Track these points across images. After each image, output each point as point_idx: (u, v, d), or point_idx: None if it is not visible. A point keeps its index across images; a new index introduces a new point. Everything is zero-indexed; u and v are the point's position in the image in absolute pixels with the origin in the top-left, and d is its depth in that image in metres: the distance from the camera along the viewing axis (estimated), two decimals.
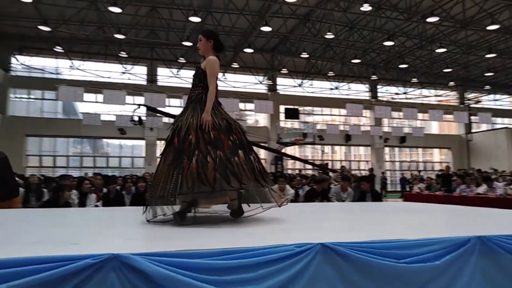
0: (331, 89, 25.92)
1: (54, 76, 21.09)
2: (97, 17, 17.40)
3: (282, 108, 23.28)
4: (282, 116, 23.43)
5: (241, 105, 22.10)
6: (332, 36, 17.85)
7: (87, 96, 19.03)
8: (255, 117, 25.71)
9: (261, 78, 24.43)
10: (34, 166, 20.43)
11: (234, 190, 2.81)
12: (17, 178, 7.33)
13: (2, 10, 15.87)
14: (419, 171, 25.28)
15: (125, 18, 17.03)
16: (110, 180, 6.30)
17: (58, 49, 19.11)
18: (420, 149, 28.29)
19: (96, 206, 5.84)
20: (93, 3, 15.86)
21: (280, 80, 25.10)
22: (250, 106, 22.28)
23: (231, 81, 23.93)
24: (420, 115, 23.87)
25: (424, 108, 24.22)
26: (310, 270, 1.83)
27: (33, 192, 6.18)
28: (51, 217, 3.41)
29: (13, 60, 20.69)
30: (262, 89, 24.62)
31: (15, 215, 3.61)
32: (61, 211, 4.42)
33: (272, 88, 24.56)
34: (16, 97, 21.33)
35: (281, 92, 24.76)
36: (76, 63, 21.16)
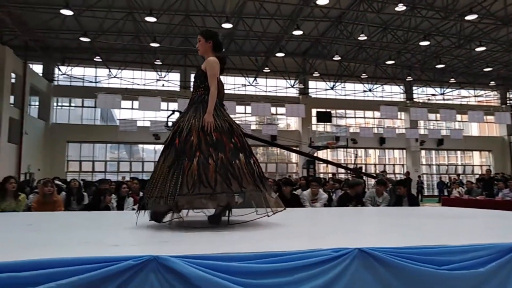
0: (364, 91, 25.49)
1: (93, 84, 21.99)
2: (134, 27, 18.02)
3: (314, 112, 23.10)
4: (314, 120, 23.25)
5: (273, 109, 22.15)
6: (365, 38, 17.59)
7: (124, 103, 19.72)
8: (286, 121, 25.65)
9: (292, 81, 24.39)
10: (74, 171, 21.32)
11: (235, 193, 2.75)
12: (59, 182, 7.70)
13: (46, 24, 16.73)
14: (458, 174, 24.31)
15: (159, 27, 17.52)
16: (146, 184, 6.46)
17: (97, 59, 19.93)
18: (459, 152, 27.21)
19: (133, 209, 6.01)
20: (129, 14, 16.42)
21: (311, 84, 24.95)
22: (282, 110, 22.26)
23: (262, 86, 24.03)
24: (458, 117, 23.03)
25: (462, 109, 23.34)
26: (348, 275, 1.81)
27: (74, 196, 6.45)
28: (92, 220, 3.55)
29: (56, 70, 21.80)
30: (293, 92, 24.57)
31: (59, 217, 3.79)
32: (101, 214, 4.58)
33: (304, 91, 24.45)
34: (58, 105, 22.40)
35: (312, 96, 24.61)
36: (114, 71, 21.97)
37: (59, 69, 21.78)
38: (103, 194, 5.56)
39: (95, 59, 20.07)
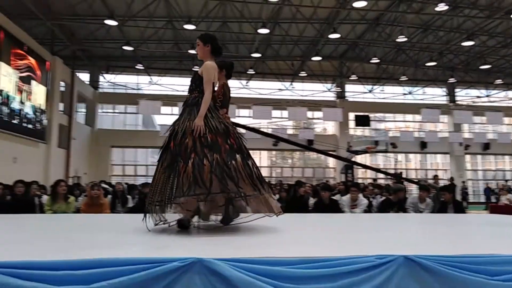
0: (404, 94, 24.79)
1: (135, 91, 22.82)
2: (173, 35, 18.56)
3: (351, 116, 22.74)
4: (351, 124, 22.86)
5: (309, 114, 21.98)
6: (405, 39, 17.12)
7: (164, 109, 20.25)
8: (323, 125, 25.40)
9: (329, 85, 24.15)
10: (118, 174, 22.15)
11: (231, 193, 2.71)
12: (106, 186, 8.03)
13: (92, 34, 17.62)
14: (506, 180, 23.04)
15: (198, 34, 17.87)
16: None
17: (139, 66, 20.68)
18: (507, 157, 25.79)
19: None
20: (169, 22, 16.93)
21: (349, 87, 24.58)
22: (318, 114, 22.07)
23: (298, 90, 23.95)
24: (506, 119, 21.83)
25: (510, 111, 22.14)
26: (393, 283, 1.78)
27: (119, 199, 6.72)
28: (137, 222, 3.67)
29: (101, 78, 22.86)
30: (330, 96, 24.31)
31: (106, 219, 3.96)
32: (139, 217, 4.71)
33: (341, 95, 24.13)
34: (103, 112, 23.45)
35: (350, 99, 24.23)
36: (155, 78, 22.70)
37: (104, 77, 22.82)
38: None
39: (137, 67, 20.84)
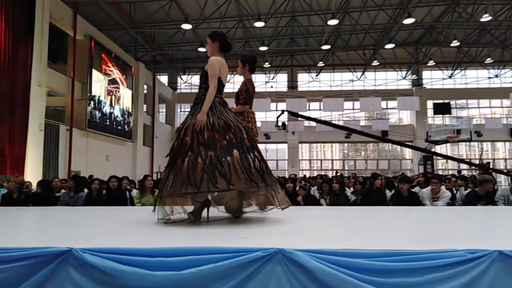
0: (490, 78, 22.67)
1: None
2: (244, 33, 18.96)
3: (429, 104, 21.41)
4: (430, 112, 21.51)
5: (383, 103, 21.12)
6: (489, 18, 15.63)
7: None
8: (398, 115, 24.22)
9: (404, 73, 22.93)
10: None
11: (220, 191, 2.70)
12: None
13: (170, 39, 18.73)
14: None
15: (267, 30, 18.09)
16: None
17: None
18: None
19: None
20: (240, 21, 17.33)
21: (426, 74, 23.13)
22: (393, 103, 21.12)
23: (371, 80, 23.10)
24: None
25: None
26: (486, 279, 1.68)
27: None
28: (216, 214, 3.85)
29: (179, 79, 24.19)
30: (405, 85, 23.09)
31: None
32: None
33: (417, 82, 22.79)
34: (181, 111, 24.83)
35: (427, 87, 22.79)
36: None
37: (181, 78, 24.12)
38: None
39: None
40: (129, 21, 15.68)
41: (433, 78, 23.00)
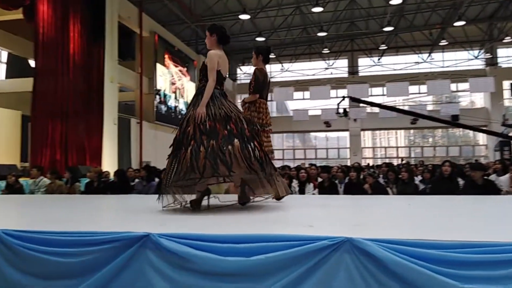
0: None
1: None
2: (301, 20, 18.72)
3: (506, 84, 19.65)
4: (506, 94, 19.76)
5: (453, 86, 19.78)
6: None
7: (296, 95, 20.76)
8: (470, 98, 22.56)
9: (476, 52, 21.22)
10: None
11: (221, 177, 2.80)
12: None
13: (229, 30, 18.94)
14: None
15: (326, 15, 17.71)
16: (326, 170, 6.71)
17: (271, 55, 21.46)
18: None
19: (313, 194, 6.36)
20: (297, 8, 17.13)
21: (501, 52, 21.22)
22: (464, 85, 19.72)
23: (438, 61, 21.70)
24: None
25: None
26: None
27: None
28: (278, 202, 3.92)
29: (238, 70, 24.58)
30: (478, 64, 21.39)
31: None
32: (286, 197, 4.98)
33: (492, 61, 20.97)
34: (241, 101, 25.27)
35: (503, 65, 20.89)
36: (286, 65, 23.33)
37: (240, 69, 24.49)
38: (288, 179, 6.13)
39: (270, 56, 21.68)
40: (189, 15, 16.19)
41: (511, 56, 21.04)
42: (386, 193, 6.12)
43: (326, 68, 22.92)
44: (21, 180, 7.37)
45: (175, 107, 16.46)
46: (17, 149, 11.47)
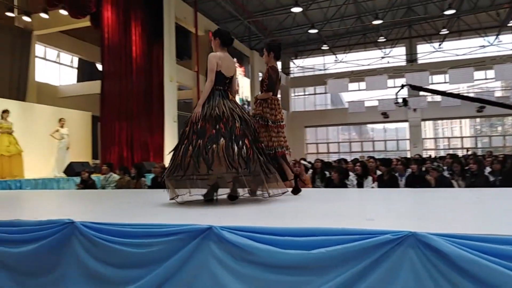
0: None
1: (322, 72, 23.53)
2: (355, 8, 18.18)
3: None
4: None
5: None
6: None
7: (351, 86, 20.26)
8: None
9: None
10: (312, 152, 23.48)
11: (201, 175, 2.97)
12: (305, 163, 8.68)
13: (281, 24, 19.04)
14: None
15: (381, 2, 17.05)
16: (385, 163, 6.52)
17: (324, 47, 21.17)
18: None
19: (372, 187, 6.20)
20: None
21: None
22: None
23: (507, 43, 20.08)
24: None
25: None
26: None
27: (318, 174, 7.19)
28: (338, 196, 3.89)
29: (291, 64, 24.49)
30: None
31: (311, 193, 4.32)
32: (343, 191, 4.93)
33: None
34: (295, 95, 25.19)
35: None
36: (340, 56, 22.83)
37: (293, 63, 24.37)
38: (344, 173, 6.03)
39: (322, 48, 21.37)
40: (242, 12, 16.37)
41: None
42: (451, 187, 5.82)
43: (383, 57, 22.08)
44: (93, 176, 7.97)
45: None
46: (89, 148, 12.39)
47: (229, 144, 2.94)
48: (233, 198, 3.18)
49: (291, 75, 24.68)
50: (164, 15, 11.76)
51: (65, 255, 2.11)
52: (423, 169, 6.31)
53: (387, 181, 6.08)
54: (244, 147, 3.00)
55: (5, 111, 8.66)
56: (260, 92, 3.93)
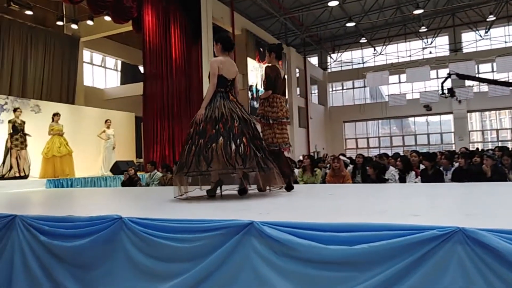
0: None
1: (360, 65, 23.02)
2: None
3: None
4: None
5: None
6: None
7: (391, 78, 19.69)
8: None
9: None
10: (352, 148, 23.06)
11: (202, 171, 3.21)
12: (344, 158, 8.56)
13: (317, 19, 18.83)
14: None
15: None
16: (429, 158, 6.28)
17: (362, 40, 20.69)
18: None
19: (415, 182, 6.01)
20: None
21: None
22: None
23: None
24: None
25: None
26: None
27: (359, 170, 7.06)
28: (378, 191, 3.80)
29: (328, 59, 24.17)
30: None
31: (350, 188, 4.27)
32: (383, 186, 4.81)
33: None
34: (333, 90, 24.84)
35: None
36: (379, 49, 22.22)
37: (331, 57, 23.99)
38: (379, 167, 5.89)
39: (360, 41, 20.91)
40: (278, 9, 16.32)
41: None
42: (505, 179, 5.53)
43: (424, 48, 21.25)
44: (138, 174, 8.28)
45: None
46: (133, 147, 12.86)
47: (227, 143, 3.15)
48: (242, 192, 3.35)
49: (329, 70, 24.32)
50: (201, 16, 11.98)
51: (114, 249, 2.21)
52: (471, 162, 6.02)
53: (432, 176, 5.87)
54: (242, 145, 3.20)
55: (56, 114, 9.16)
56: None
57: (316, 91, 24.16)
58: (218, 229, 2.02)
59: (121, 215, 2.21)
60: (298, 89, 20.62)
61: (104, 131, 10.27)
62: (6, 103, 9.57)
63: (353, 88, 24.25)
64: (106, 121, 10.41)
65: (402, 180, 6.10)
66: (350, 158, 9.44)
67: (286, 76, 4.25)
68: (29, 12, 11.60)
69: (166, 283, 2.05)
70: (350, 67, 23.64)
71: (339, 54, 23.49)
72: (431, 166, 6.01)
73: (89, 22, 12.56)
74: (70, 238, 2.31)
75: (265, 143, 3.58)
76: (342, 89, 24.82)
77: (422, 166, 6.46)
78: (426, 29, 19.56)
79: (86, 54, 15.26)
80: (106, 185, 8.67)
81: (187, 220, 2.10)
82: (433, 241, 1.66)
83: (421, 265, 1.66)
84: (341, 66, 24.01)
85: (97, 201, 4.07)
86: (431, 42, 21.11)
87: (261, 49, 16.54)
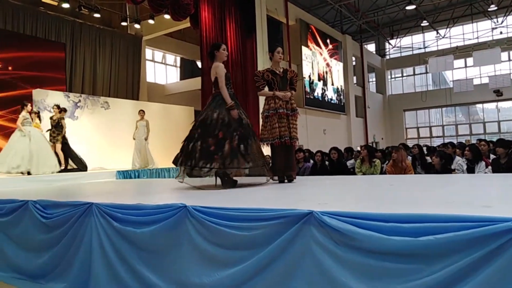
0: None
1: (422, 50, 21.84)
2: None
3: None
4: None
5: None
6: None
7: (456, 63, 18.46)
8: None
9: None
10: (413, 137, 22.06)
11: (204, 167, 3.61)
12: None
13: (374, 4, 18.12)
14: None
15: None
16: (504, 144, 5.82)
17: (424, 23, 19.59)
18: None
19: (486, 173, 5.63)
20: None
21: None
22: None
23: None
24: None
25: None
26: None
27: (419, 160, 6.74)
28: (445, 182, 3.61)
29: (386, 45, 23.21)
30: None
31: (413, 180, 4.10)
32: (450, 177, 4.56)
33: None
34: (392, 78, 23.83)
35: None
36: (442, 32, 20.91)
37: (389, 43, 23.00)
38: (446, 157, 5.58)
39: (421, 25, 19.82)
40: None
41: None
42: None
43: (494, 28, 19.64)
44: None
45: (323, 90, 16.61)
46: None
47: (221, 141, 3.60)
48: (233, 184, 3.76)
49: (387, 57, 23.33)
50: (256, 8, 12.04)
51: (180, 236, 2.33)
52: None
53: (506, 165, 5.44)
54: (232, 145, 3.59)
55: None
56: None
57: (374, 79, 23.32)
58: (277, 218, 2.05)
59: (186, 203, 2.32)
60: (354, 77, 20.03)
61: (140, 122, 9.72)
62: (79, 101, 10.37)
63: (414, 74, 23.07)
64: (139, 112, 9.83)
65: (471, 170, 5.75)
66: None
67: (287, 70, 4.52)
68: (97, 15, 12.39)
69: (228, 269, 2.13)
70: (410, 53, 22.49)
71: (398, 39, 22.43)
72: (505, 154, 5.57)
73: (150, 21, 13.18)
74: (139, 224, 2.47)
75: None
76: (402, 76, 23.70)
77: (492, 156, 6.03)
78: (496, 8, 18.04)
79: (148, 52, 16.02)
80: (169, 176, 9.07)
81: (246, 209, 2.16)
82: (507, 234, 1.55)
83: (493, 260, 1.57)
84: (401, 52, 22.91)
85: (162, 190, 4.29)
86: (502, 22, 19.44)
87: (316, 38, 16.28)
